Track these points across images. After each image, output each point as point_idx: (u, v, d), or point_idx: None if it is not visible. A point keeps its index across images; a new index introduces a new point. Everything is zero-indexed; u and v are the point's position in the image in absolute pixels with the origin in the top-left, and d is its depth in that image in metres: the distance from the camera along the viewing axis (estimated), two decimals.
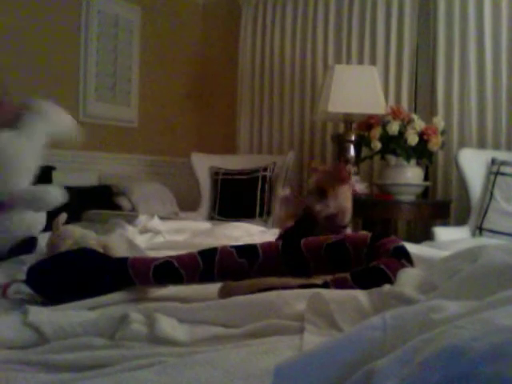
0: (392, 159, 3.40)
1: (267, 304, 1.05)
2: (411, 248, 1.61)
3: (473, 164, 3.29)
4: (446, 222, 3.58)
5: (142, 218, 2.49)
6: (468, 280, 0.95)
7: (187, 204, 4.14)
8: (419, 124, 3.32)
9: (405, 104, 3.81)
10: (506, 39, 3.50)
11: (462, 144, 3.62)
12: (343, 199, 1.48)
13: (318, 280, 1.20)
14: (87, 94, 3.86)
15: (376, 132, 3.34)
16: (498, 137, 3.54)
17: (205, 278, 1.27)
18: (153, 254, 1.79)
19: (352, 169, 3.51)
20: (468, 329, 0.56)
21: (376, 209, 3.41)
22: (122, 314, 1.00)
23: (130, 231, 2.15)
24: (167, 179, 4.18)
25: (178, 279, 1.27)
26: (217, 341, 0.94)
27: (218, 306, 1.08)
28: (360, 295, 1.04)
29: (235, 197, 3.99)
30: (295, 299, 1.06)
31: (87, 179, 3.74)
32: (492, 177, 3.20)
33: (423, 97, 3.91)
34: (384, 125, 3.34)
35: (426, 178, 3.62)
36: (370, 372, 0.55)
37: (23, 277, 1.25)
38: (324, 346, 0.64)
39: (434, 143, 3.32)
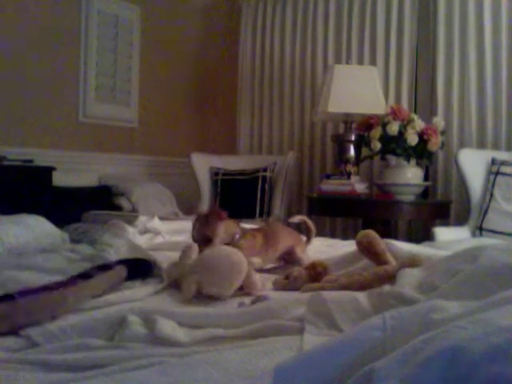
0: (392, 159, 3.40)
1: (265, 310, 1.05)
2: (411, 248, 1.61)
3: (473, 164, 3.29)
4: (446, 222, 3.57)
5: (142, 219, 2.48)
6: (468, 280, 0.95)
7: (187, 204, 4.13)
8: (419, 124, 3.32)
9: (405, 104, 3.81)
10: (505, 39, 3.50)
11: (462, 144, 3.62)
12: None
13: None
14: (87, 95, 3.86)
15: (376, 132, 3.34)
16: (497, 137, 3.54)
17: None
18: (153, 254, 1.79)
19: (352, 169, 3.52)
20: (468, 329, 0.55)
21: (376, 209, 3.40)
22: (120, 316, 1.00)
23: (130, 232, 2.14)
24: (167, 180, 4.17)
25: None
26: (216, 341, 0.94)
27: (217, 314, 1.08)
28: (360, 296, 1.04)
29: (235, 197, 3.99)
30: (294, 304, 1.06)
31: (87, 180, 3.73)
32: (492, 177, 3.20)
33: (423, 97, 3.91)
34: (384, 125, 3.34)
35: (425, 178, 3.62)
36: (370, 372, 0.55)
37: None
38: (324, 346, 0.64)
39: (434, 143, 3.31)
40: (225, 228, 1.62)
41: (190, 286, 1.28)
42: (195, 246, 1.49)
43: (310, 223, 1.96)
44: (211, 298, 1.29)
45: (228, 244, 1.59)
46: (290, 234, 1.82)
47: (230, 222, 1.69)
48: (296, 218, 1.99)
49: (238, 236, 1.65)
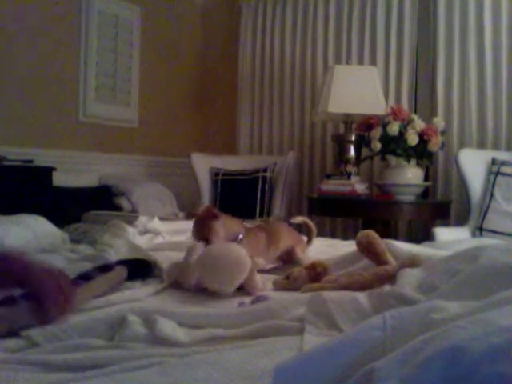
0: (392, 159, 3.40)
1: (265, 310, 1.05)
2: (411, 248, 1.61)
3: (473, 164, 3.29)
4: (446, 223, 3.57)
5: (142, 219, 2.48)
6: (468, 280, 0.95)
7: (187, 205, 4.13)
8: (419, 124, 3.32)
9: (405, 104, 3.81)
10: (506, 39, 3.50)
11: (462, 144, 3.62)
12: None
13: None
14: (87, 95, 3.86)
15: (376, 132, 3.34)
16: (498, 137, 3.54)
17: None
18: (153, 254, 1.79)
19: (353, 169, 3.52)
20: (468, 329, 0.55)
21: (376, 209, 3.40)
22: (120, 316, 0.99)
23: (130, 232, 2.14)
24: (167, 180, 4.17)
25: None
26: (216, 341, 0.94)
27: (217, 314, 1.07)
28: (360, 296, 1.04)
29: (235, 197, 3.99)
30: (294, 304, 1.06)
31: (87, 180, 3.73)
32: (492, 177, 3.20)
33: (423, 97, 3.91)
34: (384, 125, 3.34)
35: (426, 179, 3.62)
36: (370, 372, 0.55)
37: None
38: (324, 346, 0.64)
39: (434, 143, 3.32)
40: (225, 227, 1.62)
41: (193, 275, 1.28)
42: (200, 245, 1.49)
43: (311, 224, 1.96)
44: (213, 295, 1.29)
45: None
46: (291, 234, 1.82)
47: (233, 221, 1.69)
48: (297, 219, 1.99)
49: (241, 236, 1.64)
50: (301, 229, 2.18)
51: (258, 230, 1.77)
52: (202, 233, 1.58)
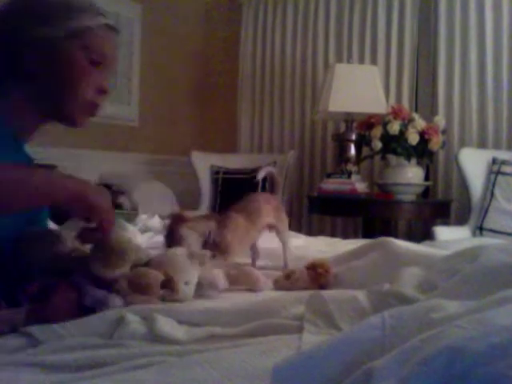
0: (393, 159, 3.40)
1: (264, 308, 1.05)
2: (411, 247, 1.61)
3: (473, 163, 3.30)
4: (446, 222, 3.58)
5: (143, 217, 2.48)
6: (468, 280, 0.94)
7: (187, 203, 4.13)
8: (420, 123, 3.32)
9: (405, 103, 3.81)
10: (506, 38, 3.50)
11: (463, 143, 3.62)
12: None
13: None
14: None
15: (377, 131, 3.34)
16: (498, 136, 3.54)
17: None
18: (154, 253, 1.79)
19: (353, 168, 3.52)
20: (467, 328, 0.55)
21: (376, 208, 3.41)
22: (118, 314, 0.99)
23: (131, 231, 2.14)
24: (167, 178, 4.17)
25: None
26: (215, 340, 0.94)
27: (216, 311, 1.07)
28: (359, 295, 1.04)
29: (235, 196, 3.97)
30: (293, 303, 1.06)
31: (87, 178, 3.73)
32: (493, 176, 3.20)
33: (424, 96, 3.91)
34: (385, 124, 3.34)
35: (426, 178, 3.62)
36: (368, 371, 0.55)
37: None
38: (323, 345, 0.64)
39: (435, 143, 3.32)
40: (195, 229, 1.58)
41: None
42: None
43: (276, 175, 1.93)
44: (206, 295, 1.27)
45: (205, 243, 1.56)
46: (272, 210, 1.80)
47: (202, 220, 1.65)
48: (261, 173, 1.96)
49: (207, 234, 1.59)
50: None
51: (237, 212, 1.76)
52: (173, 241, 1.54)
